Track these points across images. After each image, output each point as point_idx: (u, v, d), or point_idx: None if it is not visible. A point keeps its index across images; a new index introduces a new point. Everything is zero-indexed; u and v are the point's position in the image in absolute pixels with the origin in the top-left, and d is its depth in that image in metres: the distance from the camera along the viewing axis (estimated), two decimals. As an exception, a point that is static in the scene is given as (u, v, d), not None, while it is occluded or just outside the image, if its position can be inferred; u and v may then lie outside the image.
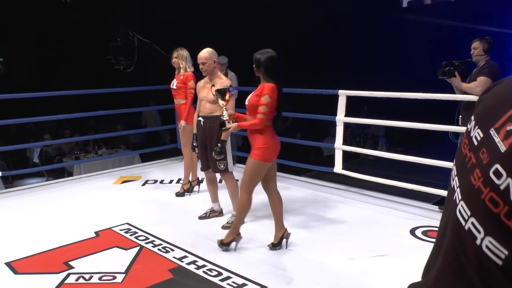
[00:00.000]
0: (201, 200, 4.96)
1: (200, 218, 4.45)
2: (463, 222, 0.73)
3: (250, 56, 3.62)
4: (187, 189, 5.23)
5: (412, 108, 6.66)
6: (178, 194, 5.20)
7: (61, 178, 6.87)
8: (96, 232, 4.11)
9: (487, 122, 0.74)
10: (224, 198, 4.48)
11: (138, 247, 3.78)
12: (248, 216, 4.24)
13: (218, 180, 4.62)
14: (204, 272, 3.34)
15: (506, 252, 0.65)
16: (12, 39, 16.29)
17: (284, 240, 3.75)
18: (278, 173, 5.85)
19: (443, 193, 4.39)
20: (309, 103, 8.99)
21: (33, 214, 4.68)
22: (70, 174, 7.85)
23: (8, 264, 3.51)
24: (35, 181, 7.34)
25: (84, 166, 7.73)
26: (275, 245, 3.73)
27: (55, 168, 8.25)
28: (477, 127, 0.77)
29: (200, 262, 3.49)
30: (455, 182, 0.83)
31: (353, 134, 10.24)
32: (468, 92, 4.12)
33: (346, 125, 5.42)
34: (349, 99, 4.99)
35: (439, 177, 5.87)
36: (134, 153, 8.35)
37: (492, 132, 0.71)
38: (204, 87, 4.22)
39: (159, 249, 3.74)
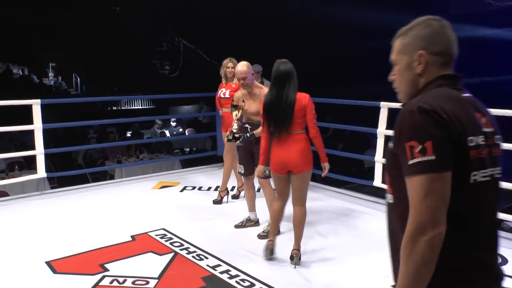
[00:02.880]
0: (238, 208, 4.96)
1: (236, 226, 4.44)
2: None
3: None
4: (224, 196, 5.25)
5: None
6: (216, 202, 5.21)
7: (103, 181, 7.04)
8: (132, 236, 4.17)
9: None
10: (263, 207, 4.46)
11: (173, 253, 3.80)
12: (285, 227, 4.22)
13: (256, 189, 4.62)
14: (236, 282, 3.32)
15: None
16: (65, 45, 16.95)
17: (294, 257, 3.57)
18: (315, 184, 5.84)
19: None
20: (350, 114, 8.87)
21: (74, 215, 4.81)
22: (112, 177, 8.04)
23: (48, 263, 3.61)
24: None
25: (125, 170, 7.90)
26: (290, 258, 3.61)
27: (98, 171, 8.46)
28: None
29: (233, 272, 3.47)
30: None
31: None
32: None
33: (388, 137, 5.28)
34: (392, 111, 4.88)
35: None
36: (174, 159, 8.46)
37: None
38: (242, 97, 4.22)
39: (193, 256, 3.75)
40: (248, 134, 4.06)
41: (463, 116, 1.28)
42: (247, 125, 4.13)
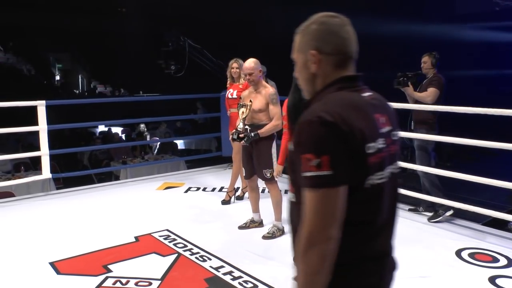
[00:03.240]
0: (243, 209, 4.95)
1: (240, 228, 4.44)
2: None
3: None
4: (232, 196, 5.25)
5: (465, 122, 6.39)
6: (224, 202, 5.20)
7: (108, 182, 7.05)
8: (136, 237, 4.17)
9: None
10: (266, 208, 4.45)
11: (176, 255, 3.80)
12: (286, 229, 4.21)
13: (260, 190, 4.61)
14: (239, 283, 3.31)
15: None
16: (72, 47, 17.04)
17: None
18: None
19: (493, 213, 4.19)
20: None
21: (78, 216, 4.82)
22: (117, 178, 8.06)
23: (52, 264, 3.62)
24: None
25: (130, 170, 7.91)
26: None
27: (103, 172, 8.48)
28: None
29: (237, 273, 3.47)
30: None
31: (400, 147, 9.93)
32: (420, 100, 4.66)
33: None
34: (396, 112, 4.85)
35: (490, 196, 5.61)
36: (179, 160, 8.46)
37: None
38: (249, 96, 4.22)
39: (196, 258, 3.74)
40: (252, 134, 4.05)
41: (363, 124, 1.26)
42: (247, 127, 4.11)
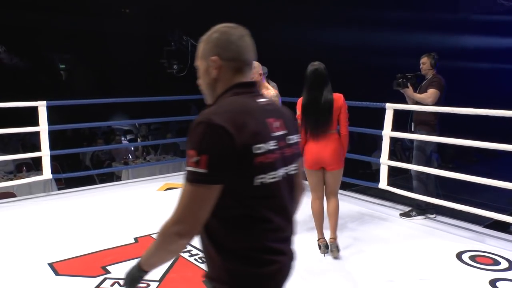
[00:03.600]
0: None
1: (239, 229, 4.42)
2: None
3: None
4: None
5: (467, 123, 6.36)
6: None
7: (109, 182, 7.06)
8: (135, 238, 4.17)
9: None
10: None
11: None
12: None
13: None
14: (237, 285, 3.30)
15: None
16: (75, 47, 17.07)
17: (329, 245, 3.83)
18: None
19: (495, 215, 4.15)
20: (358, 115, 8.80)
21: (78, 216, 4.82)
22: (119, 178, 8.06)
23: (50, 265, 3.61)
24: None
25: (132, 171, 7.91)
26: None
27: (105, 172, 8.48)
28: None
29: (235, 275, 3.45)
30: None
31: (403, 148, 9.93)
32: (420, 102, 4.62)
33: (396, 139, 5.26)
34: (398, 112, 4.84)
35: (492, 198, 5.59)
36: (181, 161, 8.45)
37: None
38: None
39: (195, 259, 3.73)
40: None
41: (253, 126, 1.37)
42: None
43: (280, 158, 1.45)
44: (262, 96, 1.53)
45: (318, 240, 3.86)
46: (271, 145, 1.41)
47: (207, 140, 1.31)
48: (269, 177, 1.40)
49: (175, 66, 8.19)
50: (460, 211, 4.41)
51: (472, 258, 3.77)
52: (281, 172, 1.45)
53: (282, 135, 1.48)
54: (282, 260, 1.49)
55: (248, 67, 1.52)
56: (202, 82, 1.56)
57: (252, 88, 1.52)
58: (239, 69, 1.50)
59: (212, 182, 1.32)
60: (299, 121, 3.67)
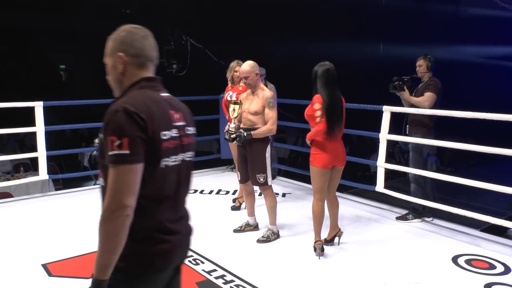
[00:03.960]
0: (238, 212, 4.93)
1: (235, 231, 4.40)
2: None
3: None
4: (243, 202, 5.11)
5: (467, 126, 6.34)
6: (234, 208, 5.10)
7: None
8: (130, 240, 4.14)
9: None
10: (262, 212, 4.43)
11: (169, 257, 3.77)
12: (285, 231, 4.21)
13: (258, 193, 4.58)
14: (231, 287, 3.28)
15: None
16: (74, 48, 17.07)
17: (337, 238, 4.03)
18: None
19: (492, 219, 4.13)
20: (356, 117, 8.79)
21: (74, 217, 4.80)
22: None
23: (44, 266, 3.60)
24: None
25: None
26: (328, 241, 4.01)
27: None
28: None
29: (229, 277, 3.44)
30: None
31: (401, 151, 9.91)
32: (416, 105, 4.58)
33: (395, 141, 5.24)
34: (396, 115, 4.82)
35: (490, 202, 5.56)
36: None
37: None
38: (246, 98, 4.18)
39: (189, 261, 3.71)
40: (245, 133, 4.01)
41: (159, 115, 1.58)
42: (241, 130, 4.08)
43: (179, 145, 1.66)
44: (164, 90, 1.72)
45: (316, 242, 3.83)
46: (174, 132, 1.63)
47: (125, 125, 1.48)
48: (171, 161, 1.61)
49: (174, 66, 8.19)
50: (457, 215, 4.38)
51: (468, 262, 3.75)
52: (180, 157, 1.66)
53: (182, 125, 1.70)
54: (176, 239, 1.66)
55: (151, 63, 1.71)
56: (110, 77, 1.72)
57: (156, 82, 1.71)
58: (143, 65, 1.68)
59: (136, 161, 1.49)
60: (317, 117, 3.66)
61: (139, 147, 1.49)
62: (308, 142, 3.82)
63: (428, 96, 4.53)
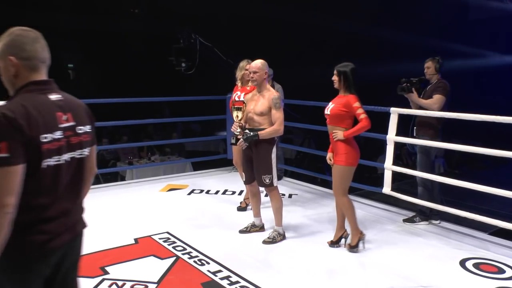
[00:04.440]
0: (244, 213, 4.91)
1: (241, 232, 4.38)
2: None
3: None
4: (249, 203, 5.10)
5: (476, 129, 6.27)
6: (240, 209, 5.07)
7: (113, 182, 7.04)
8: (135, 239, 4.14)
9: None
10: (268, 212, 4.40)
11: (174, 258, 3.76)
12: (291, 232, 4.18)
13: (264, 194, 4.56)
14: (236, 288, 3.27)
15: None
16: (83, 47, 17.15)
17: (343, 239, 4.01)
18: (327, 191, 5.75)
19: (501, 223, 4.07)
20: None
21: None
22: (123, 178, 8.05)
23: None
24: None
25: (136, 171, 7.89)
26: (334, 243, 4.02)
27: (109, 172, 8.46)
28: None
29: (234, 278, 3.41)
30: None
31: (409, 153, 9.82)
32: (425, 107, 4.54)
33: (402, 143, 5.19)
34: (403, 117, 4.78)
35: (498, 206, 5.47)
36: (185, 161, 8.44)
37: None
38: (252, 99, 4.15)
39: (194, 261, 3.70)
40: (251, 133, 3.98)
41: (40, 119, 1.66)
42: (247, 130, 4.05)
43: (65, 145, 1.75)
44: (56, 92, 1.80)
45: (361, 234, 3.96)
46: (58, 134, 1.72)
47: (3, 130, 1.57)
48: (53, 161, 1.71)
49: (183, 64, 8.14)
50: (465, 218, 4.32)
51: (476, 265, 3.70)
52: (65, 157, 1.76)
53: (70, 126, 1.79)
54: (54, 232, 1.75)
55: (43, 65, 1.79)
56: (3, 79, 1.78)
57: (45, 85, 1.78)
58: (34, 68, 1.76)
59: (15, 163, 1.58)
60: (360, 114, 3.77)
61: (19, 150, 1.59)
62: (337, 139, 3.83)
63: (437, 98, 4.49)
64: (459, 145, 4.48)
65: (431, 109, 4.48)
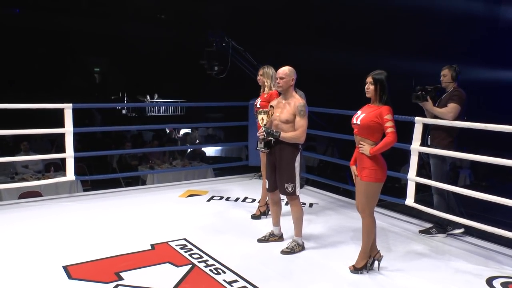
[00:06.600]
0: (264, 221, 4.82)
1: (259, 241, 4.30)
2: None
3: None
4: (264, 211, 5.00)
5: (500, 138, 6.04)
6: (254, 217, 4.99)
7: (134, 186, 7.06)
8: (152, 245, 4.10)
9: None
10: (287, 222, 4.31)
11: (190, 265, 3.70)
12: (311, 243, 4.08)
13: (284, 202, 4.48)
14: (251, 300, 3.19)
15: None
16: (109, 51, 17.44)
17: (376, 262, 3.71)
18: (350, 201, 5.62)
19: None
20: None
21: (98, 220, 4.81)
22: (144, 182, 8.07)
23: (65, 268, 3.58)
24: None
25: (157, 176, 7.91)
26: (357, 269, 3.67)
27: (131, 176, 8.50)
28: None
29: (250, 289, 3.34)
30: None
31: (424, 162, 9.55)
32: (440, 116, 4.42)
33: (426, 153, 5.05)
34: (426, 127, 4.64)
35: (528, 220, 5.27)
36: (206, 167, 8.42)
37: None
38: (277, 106, 4.08)
39: (210, 270, 3.63)
40: (274, 132, 3.92)
41: None
42: (271, 138, 3.98)
43: None
44: None
45: (377, 254, 3.72)
46: None
47: None
48: None
49: (215, 68, 8.10)
50: (492, 234, 4.14)
51: (504, 284, 3.53)
52: None
53: None
54: None
55: None
56: None
57: None
58: None
59: None
60: (388, 128, 3.49)
61: None
62: (367, 154, 3.52)
63: (452, 107, 4.35)
64: (472, 155, 4.35)
65: (446, 118, 4.36)
